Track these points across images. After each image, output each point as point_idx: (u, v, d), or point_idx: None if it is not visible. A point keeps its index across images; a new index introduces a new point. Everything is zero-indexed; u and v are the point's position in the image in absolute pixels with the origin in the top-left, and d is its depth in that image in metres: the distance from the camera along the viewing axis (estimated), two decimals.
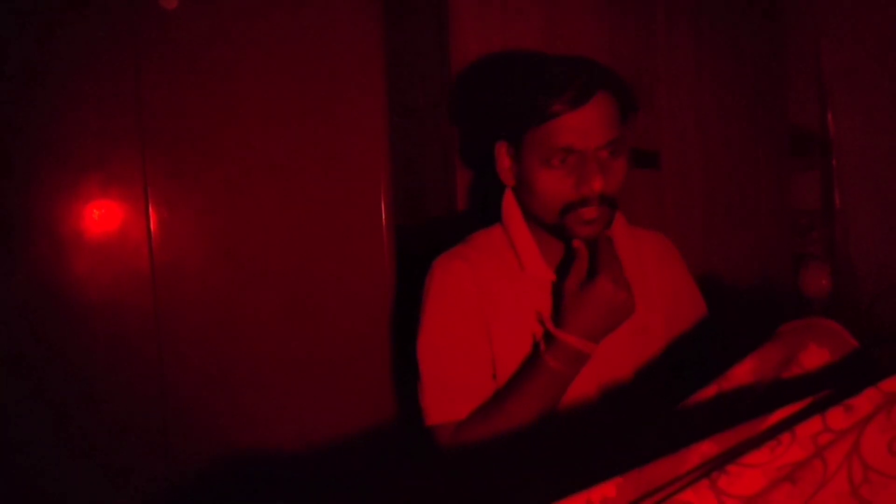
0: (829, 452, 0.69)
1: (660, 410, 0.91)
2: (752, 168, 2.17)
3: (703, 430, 0.75)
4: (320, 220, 1.61)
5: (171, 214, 1.53)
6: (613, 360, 1.30)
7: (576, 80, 1.17)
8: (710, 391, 0.91)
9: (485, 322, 1.29)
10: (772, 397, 0.83)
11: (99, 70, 1.48)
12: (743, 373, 0.92)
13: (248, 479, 1.56)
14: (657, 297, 1.38)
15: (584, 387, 1.27)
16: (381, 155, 1.63)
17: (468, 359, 1.27)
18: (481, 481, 1.18)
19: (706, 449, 0.72)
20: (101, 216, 1.50)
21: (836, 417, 0.69)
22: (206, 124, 1.54)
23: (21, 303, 1.45)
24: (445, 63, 1.74)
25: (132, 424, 1.52)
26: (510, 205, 1.34)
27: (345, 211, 1.62)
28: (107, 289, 1.51)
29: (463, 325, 1.28)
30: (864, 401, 0.69)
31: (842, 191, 2.14)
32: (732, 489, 0.68)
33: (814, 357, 0.90)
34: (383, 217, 1.64)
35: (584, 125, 1.17)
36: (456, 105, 1.74)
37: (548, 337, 1.20)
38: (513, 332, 1.28)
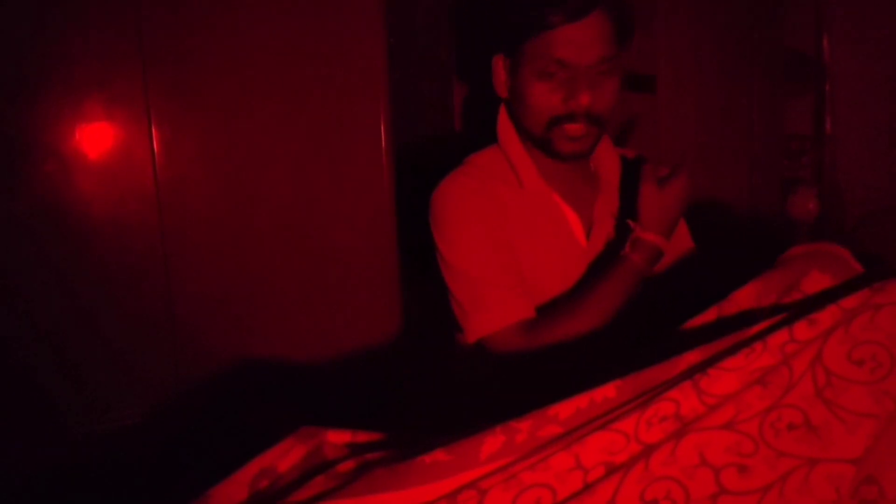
0: (794, 360, 0.85)
1: (658, 331, 1.06)
2: (746, 92, 2.29)
3: (693, 344, 0.91)
4: (321, 138, 1.69)
5: (174, 133, 1.61)
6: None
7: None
8: (710, 315, 1.04)
9: (503, 230, 1.38)
10: (762, 316, 0.97)
11: None
12: (743, 297, 1.03)
13: (256, 394, 1.68)
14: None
15: None
16: (380, 74, 1.72)
17: (501, 263, 1.35)
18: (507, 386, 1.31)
19: (693, 357, 0.88)
20: (104, 136, 1.58)
21: (801, 329, 0.85)
22: (206, 43, 1.60)
23: (27, 224, 1.53)
24: None
25: (140, 342, 1.62)
26: (505, 123, 1.44)
27: (345, 127, 1.71)
28: (112, 208, 1.59)
29: (485, 234, 1.35)
30: (827, 316, 0.85)
31: (834, 116, 2.26)
32: (711, 389, 0.84)
33: (816, 283, 0.99)
34: (382, 135, 1.74)
35: (579, 39, 1.25)
36: (454, 22, 1.83)
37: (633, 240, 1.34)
38: (524, 247, 1.39)
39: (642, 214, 1.34)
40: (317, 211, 1.71)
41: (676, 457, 0.82)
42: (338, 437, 0.98)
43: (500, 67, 1.38)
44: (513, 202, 1.40)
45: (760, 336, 0.86)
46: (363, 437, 0.98)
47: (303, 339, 1.72)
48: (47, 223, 1.56)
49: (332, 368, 1.71)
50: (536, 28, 1.27)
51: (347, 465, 0.90)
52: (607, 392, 0.86)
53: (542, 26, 1.26)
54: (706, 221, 1.67)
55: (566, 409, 0.85)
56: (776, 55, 2.31)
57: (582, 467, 0.82)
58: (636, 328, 1.41)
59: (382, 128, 1.73)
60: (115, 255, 1.61)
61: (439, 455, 0.84)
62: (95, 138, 1.57)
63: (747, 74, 2.28)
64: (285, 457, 0.94)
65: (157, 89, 1.60)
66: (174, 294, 1.64)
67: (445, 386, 1.44)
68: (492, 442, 0.84)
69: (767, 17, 2.29)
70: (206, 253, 1.66)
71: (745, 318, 1.02)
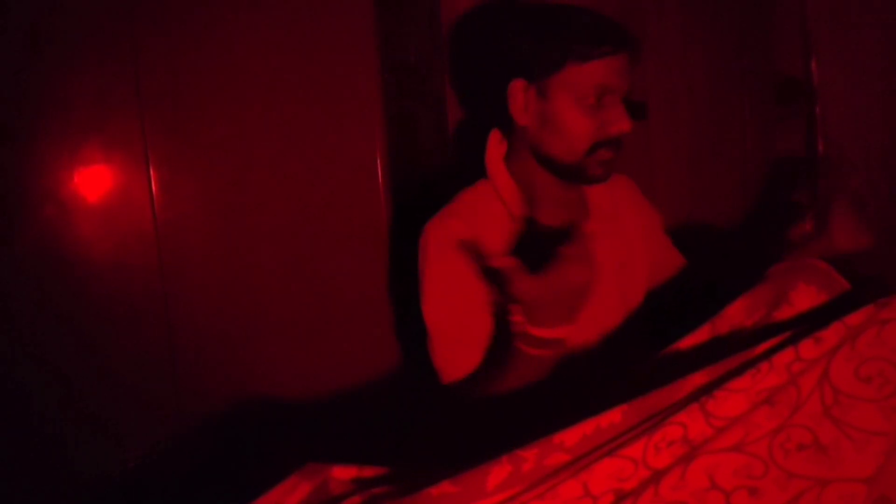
0: (801, 379, 0.83)
1: (657, 350, 1.05)
2: (737, 116, 2.29)
3: (697, 365, 0.90)
4: (318, 176, 1.69)
5: (172, 174, 1.62)
6: (603, 299, 1.40)
7: (618, 28, 1.29)
8: (703, 330, 1.04)
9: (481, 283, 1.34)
10: (761, 334, 0.97)
11: (96, 34, 1.55)
12: (735, 312, 1.04)
13: (257, 431, 1.67)
14: (633, 236, 1.52)
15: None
16: (375, 110, 1.72)
17: (475, 314, 1.34)
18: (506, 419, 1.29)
19: (698, 379, 0.87)
20: (103, 179, 1.58)
21: (807, 348, 0.84)
22: (202, 84, 1.61)
23: (28, 267, 1.53)
24: (435, 18, 1.83)
25: (142, 381, 1.61)
26: (494, 154, 1.43)
27: (342, 164, 1.70)
28: (112, 250, 1.59)
29: (465, 281, 1.34)
30: (832, 333, 0.84)
31: (825, 138, 2.26)
32: (719, 411, 0.83)
33: (803, 294, 1.01)
34: (379, 170, 1.74)
35: (620, 68, 1.29)
36: (450, 58, 1.83)
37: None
38: None
39: (525, 309, 1.16)
40: (315, 248, 1.71)
41: (686, 481, 0.80)
42: (343, 473, 0.96)
43: (519, 93, 1.35)
44: (501, 236, 1.39)
45: (766, 356, 0.85)
46: (369, 471, 0.97)
47: (303, 374, 1.71)
48: (48, 266, 1.56)
49: (333, 403, 1.70)
50: (583, 58, 1.28)
51: (354, 501, 0.89)
52: (613, 417, 0.85)
53: (591, 56, 1.27)
54: (703, 246, 1.66)
55: (572, 436, 0.84)
56: (766, 79, 2.32)
57: (591, 495, 0.81)
58: (634, 347, 1.41)
59: (379, 163, 1.73)
60: (116, 296, 1.61)
61: (446, 487, 0.82)
62: (94, 181, 1.58)
63: (738, 99, 2.28)
64: (291, 494, 0.93)
65: (155, 131, 1.60)
66: (175, 334, 1.64)
67: (444, 418, 1.42)
68: (498, 472, 0.82)
69: (756, 43, 2.30)
70: (206, 292, 1.66)
71: (739, 335, 1.02)
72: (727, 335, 1.03)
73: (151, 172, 1.61)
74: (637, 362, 1.07)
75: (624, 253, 1.49)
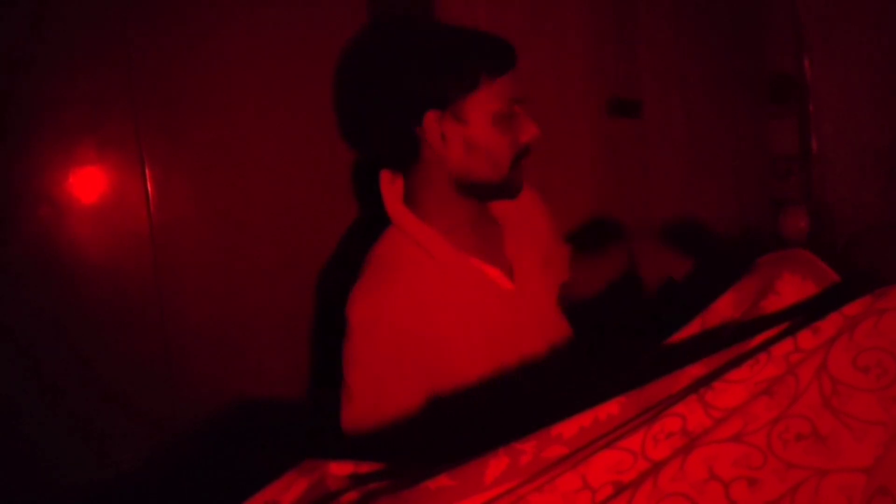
0: (800, 369, 0.83)
1: (648, 346, 1.05)
2: (731, 115, 2.30)
3: (691, 358, 0.90)
4: (313, 178, 1.70)
5: (168, 175, 1.61)
6: (538, 300, 1.42)
7: (504, 41, 1.31)
8: (694, 325, 1.04)
9: (418, 341, 1.30)
10: (752, 325, 0.96)
11: (89, 34, 1.54)
12: (724, 306, 1.04)
13: (252, 433, 1.66)
14: (547, 235, 1.52)
15: (530, 338, 1.38)
16: None
17: (394, 394, 1.29)
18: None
19: (696, 371, 0.87)
20: (97, 179, 1.57)
21: (805, 339, 0.84)
22: (197, 85, 1.61)
23: (21, 269, 1.52)
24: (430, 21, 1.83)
25: (137, 383, 1.61)
26: (390, 196, 1.37)
27: (336, 167, 1.71)
28: (107, 252, 1.58)
29: (389, 361, 1.29)
30: (829, 324, 0.84)
31: (819, 136, 2.27)
32: (717, 402, 0.82)
33: (788, 284, 1.02)
34: None
35: (523, 77, 1.31)
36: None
37: None
38: (447, 319, 1.32)
39: None
40: (310, 249, 1.71)
41: (685, 472, 0.80)
42: (340, 469, 0.95)
43: (434, 124, 1.30)
44: (426, 281, 1.33)
45: (764, 347, 0.85)
46: (366, 467, 0.96)
47: (298, 376, 1.70)
48: (42, 268, 1.54)
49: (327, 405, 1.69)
50: (494, 75, 1.28)
51: (351, 496, 0.88)
52: (611, 409, 0.85)
53: (501, 72, 1.28)
54: (699, 244, 1.66)
55: (570, 429, 0.83)
56: (759, 77, 2.32)
57: (590, 487, 0.80)
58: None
59: None
60: (111, 298, 1.60)
61: (443, 481, 0.82)
62: (89, 182, 1.57)
63: (731, 97, 2.29)
64: (288, 490, 0.92)
65: (150, 132, 1.60)
66: (170, 335, 1.63)
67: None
68: (496, 465, 0.82)
69: (749, 41, 2.30)
70: (201, 294, 1.66)
71: (729, 328, 1.03)
72: (718, 328, 1.03)
73: (147, 174, 1.60)
74: (630, 358, 1.06)
75: (544, 253, 1.48)
